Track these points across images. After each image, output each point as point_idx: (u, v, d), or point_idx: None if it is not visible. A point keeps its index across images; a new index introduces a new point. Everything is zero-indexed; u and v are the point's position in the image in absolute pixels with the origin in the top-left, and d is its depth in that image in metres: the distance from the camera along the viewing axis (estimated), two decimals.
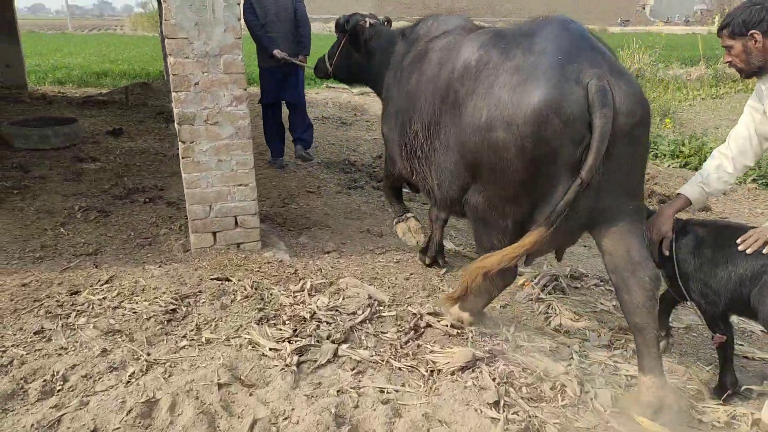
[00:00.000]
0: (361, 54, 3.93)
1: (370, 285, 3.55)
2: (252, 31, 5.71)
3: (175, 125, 3.55)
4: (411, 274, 3.89)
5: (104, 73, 15.97)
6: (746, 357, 3.06)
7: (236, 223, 3.81)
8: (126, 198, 5.01)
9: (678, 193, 2.70)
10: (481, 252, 2.63)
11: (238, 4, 3.62)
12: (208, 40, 3.42)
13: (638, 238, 2.39)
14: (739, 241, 2.37)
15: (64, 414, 2.24)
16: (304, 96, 6.37)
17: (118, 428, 2.19)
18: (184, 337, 2.82)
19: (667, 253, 2.57)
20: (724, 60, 2.43)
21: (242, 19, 3.57)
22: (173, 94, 3.48)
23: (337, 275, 3.70)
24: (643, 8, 54.57)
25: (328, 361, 2.66)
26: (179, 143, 3.58)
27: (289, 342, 2.76)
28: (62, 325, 2.85)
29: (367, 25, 3.85)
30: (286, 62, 5.68)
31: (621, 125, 2.17)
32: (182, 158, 3.58)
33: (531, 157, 2.21)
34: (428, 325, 3.02)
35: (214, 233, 3.78)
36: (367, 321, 3.04)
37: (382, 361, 2.68)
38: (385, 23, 4.02)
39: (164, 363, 2.59)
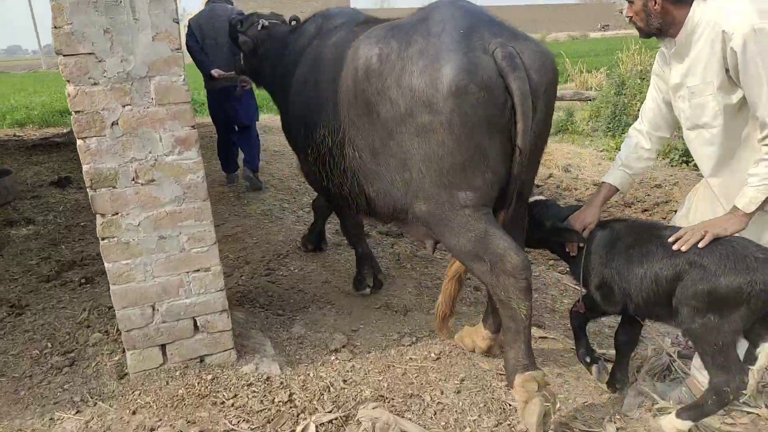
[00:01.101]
0: (256, 59, 3.73)
1: (406, 416, 2.29)
2: (194, 57, 5.52)
3: (88, 191, 2.28)
4: (462, 379, 2.62)
5: (67, 111, 14.68)
6: None
7: (196, 327, 2.52)
8: (56, 279, 3.70)
9: (602, 182, 2.68)
10: (465, 248, 2.33)
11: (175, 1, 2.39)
12: (128, 55, 2.16)
13: (524, 221, 2.53)
14: (671, 239, 2.19)
15: None
16: (254, 117, 6.03)
17: None
18: None
19: (575, 248, 2.50)
20: (626, 14, 2.34)
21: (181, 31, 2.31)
22: (78, 142, 2.21)
23: (353, 397, 2.43)
24: (621, 12, 54.10)
25: None
26: (97, 217, 2.31)
27: None
28: None
29: (259, 27, 3.63)
30: (229, 83, 5.38)
31: (536, 84, 2.17)
32: (102, 240, 2.31)
33: (462, 133, 2.16)
34: None
35: (163, 346, 2.49)
36: None
37: None
38: (292, 22, 3.62)
39: None
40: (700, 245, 2.10)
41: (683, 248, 2.12)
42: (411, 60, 2.21)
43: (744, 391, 2.10)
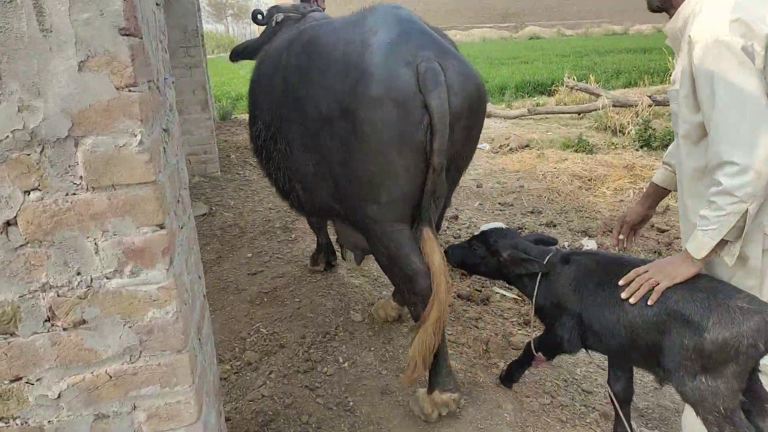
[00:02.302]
0: None
1: None
2: None
3: None
4: None
5: None
6: None
7: None
8: None
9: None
10: (382, 262, 2.45)
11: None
12: (32, 99, 1.13)
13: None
14: (621, 283, 2.00)
15: None
16: None
17: None
18: None
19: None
20: None
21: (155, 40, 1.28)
22: None
23: None
24: None
25: None
26: None
27: None
28: None
29: (273, 23, 3.29)
30: None
31: (456, 105, 2.12)
32: None
33: (372, 145, 2.12)
34: None
35: None
36: None
37: None
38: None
39: None
40: (649, 302, 1.93)
41: (632, 301, 1.96)
42: (336, 63, 2.18)
43: None
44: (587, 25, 43.28)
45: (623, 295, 1.96)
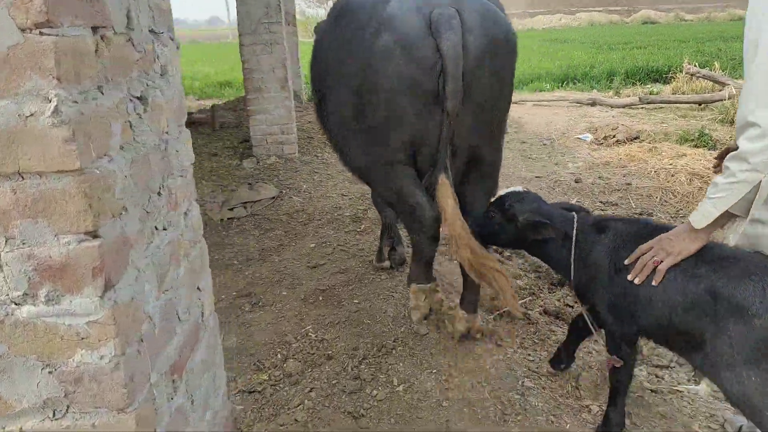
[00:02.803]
0: None
1: None
2: None
3: None
4: None
5: (228, 83, 14.62)
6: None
7: None
8: None
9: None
10: (400, 218, 2.75)
11: None
12: None
13: (487, 198, 2.40)
14: (626, 262, 1.83)
15: None
16: None
17: None
18: None
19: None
20: None
21: None
22: None
23: None
24: None
25: None
26: None
27: None
28: None
29: None
30: None
31: (476, 47, 2.08)
32: None
33: (383, 91, 2.15)
34: None
35: None
36: None
37: None
38: None
39: None
40: (654, 282, 1.74)
41: (636, 282, 1.78)
42: (366, 24, 2.20)
43: None
44: (710, 10, 39.51)
45: (629, 277, 1.80)
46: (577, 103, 10.44)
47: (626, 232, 1.94)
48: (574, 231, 2.01)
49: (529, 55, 18.07)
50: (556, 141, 8.06)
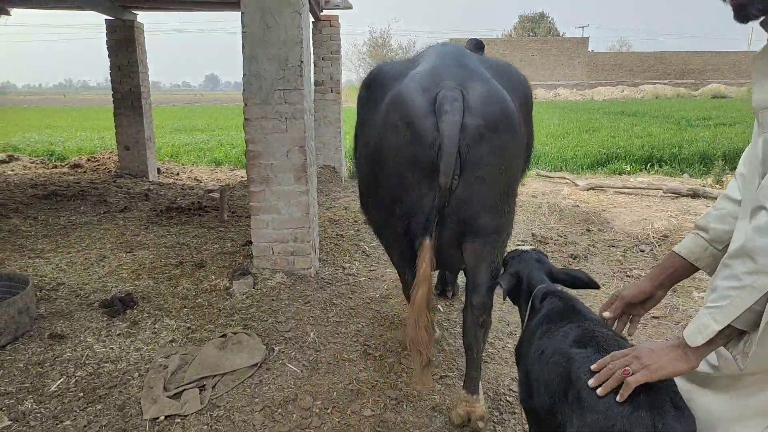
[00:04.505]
0: None
1: None
2: None
3: None
4: None
5: None
6: None
7: None
8: None
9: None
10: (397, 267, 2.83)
11: None
12: None
13: (486, 260, 2.42)
14: (593, 367, 1.46)
15: None
16: None
17: None
18: None
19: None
20: None
21: None
22: None
23: None
24: None
25: None
26: None
27: None
28: None
29: None
30: None
31: (473, 127, 2.23)
32: None
33: (389, 158, 2.38)
34: None
35: None
36: None
37: None
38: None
39: None
40: (618, 398, 1.35)
41: (599, 392, 1.39)
42: (386, 94, 2.50)
43: None
44: None
45: (590, 383, 1.43)
46: (674, 193, 8.49)
47: (555, 305, 1.87)
48: (530, 297, 1.98)
49: (593, 126, 16.30)
50: (656, 247, 6.15)
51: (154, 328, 3.36)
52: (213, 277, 4.12)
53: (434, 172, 2.23)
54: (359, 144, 2.81)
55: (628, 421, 1.31)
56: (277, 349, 3.14)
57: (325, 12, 8.73)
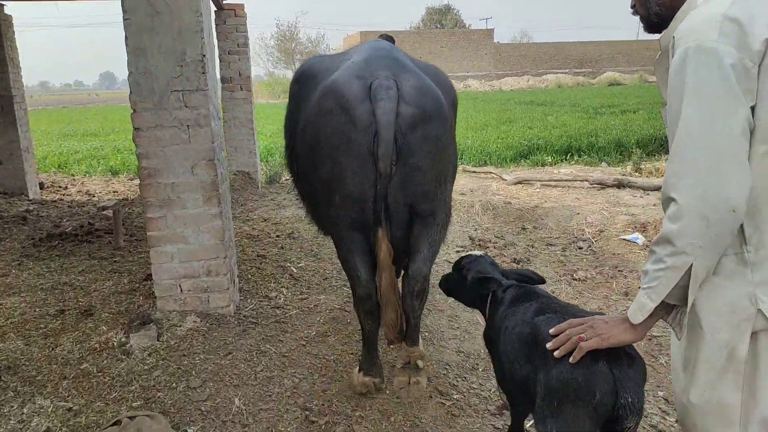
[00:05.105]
0: None
1: None
2: None
3: None
4: None
5: None
6: None
7: None
8: None
9: None
10: (344, 270, 2.71)
11: None
12: None
13: (424, 235, 2.51)
14: (551, 331, 1.66)
15: None
16: None
17: None
18: None
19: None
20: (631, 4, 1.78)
21: None
22: None
23: None
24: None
25: None
26: None
27: None
28: None
29: None
30: None
31: (408, 116, 2.30)
32: None
33: (325, 148, 2.39)
34: None
35: None
36: None
37: None
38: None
39: None
40: (571, 360, 1.57)
41: (556, 354, 1.60)
42: (314, 88, 2.57)
43: None
44: None
45: (548, 346, 1.62)
46: (600, 184, 8.42)
47: (516, 293, 2.08)
48: (491, 292, 2.16)
49: (510, 117, 16.37)
50: (594, 243, 5.93)
51: (22, 414, 2.51)
52: (104, 328, 3.26)
53: (371, 157, 2.29)
54: (294, 141, 2.81)
55: (589, 370, 1.52)
56: (191, 431, 2.40)
57: (228, 0, 7.83)
